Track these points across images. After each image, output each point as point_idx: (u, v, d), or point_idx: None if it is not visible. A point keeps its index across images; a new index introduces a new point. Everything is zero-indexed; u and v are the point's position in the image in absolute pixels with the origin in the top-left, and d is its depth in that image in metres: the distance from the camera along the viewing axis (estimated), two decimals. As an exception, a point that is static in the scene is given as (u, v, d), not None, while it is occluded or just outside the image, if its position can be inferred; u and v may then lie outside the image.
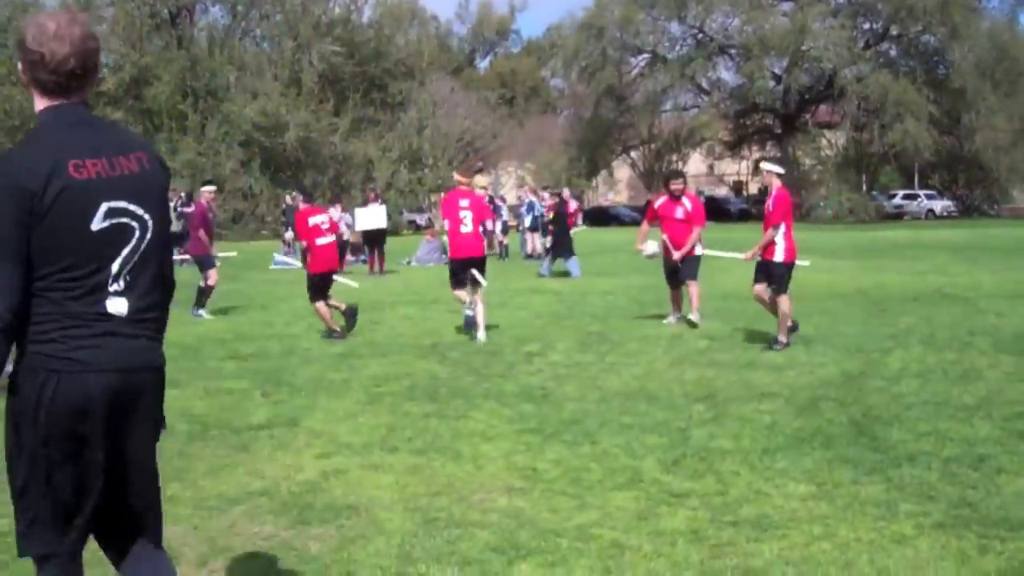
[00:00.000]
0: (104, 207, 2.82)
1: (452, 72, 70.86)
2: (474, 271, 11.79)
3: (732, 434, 6.83)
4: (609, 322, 13.08)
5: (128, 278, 2.89)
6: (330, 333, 12.17)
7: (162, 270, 3.05)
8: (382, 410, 7.92)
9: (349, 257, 24.47)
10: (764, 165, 11.55)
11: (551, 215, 23.45)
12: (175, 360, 10.50)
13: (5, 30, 48.68)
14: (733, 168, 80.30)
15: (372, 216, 23.66)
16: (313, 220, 12.66)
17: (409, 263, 26.22)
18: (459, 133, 57.73)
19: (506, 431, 7.09)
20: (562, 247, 21.66)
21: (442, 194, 32.92)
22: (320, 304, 12.37)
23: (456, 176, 12.79)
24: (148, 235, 2.93)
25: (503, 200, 31.57)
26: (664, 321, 12.81)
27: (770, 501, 5.38)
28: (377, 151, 50.99)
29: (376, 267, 23.39)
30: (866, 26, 61.30)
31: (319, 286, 12.47)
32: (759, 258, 10.85)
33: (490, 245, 17.37)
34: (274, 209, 45.07)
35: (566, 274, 20.99)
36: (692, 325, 12.20)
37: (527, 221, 28.14)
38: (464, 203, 11.78)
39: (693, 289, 12.56)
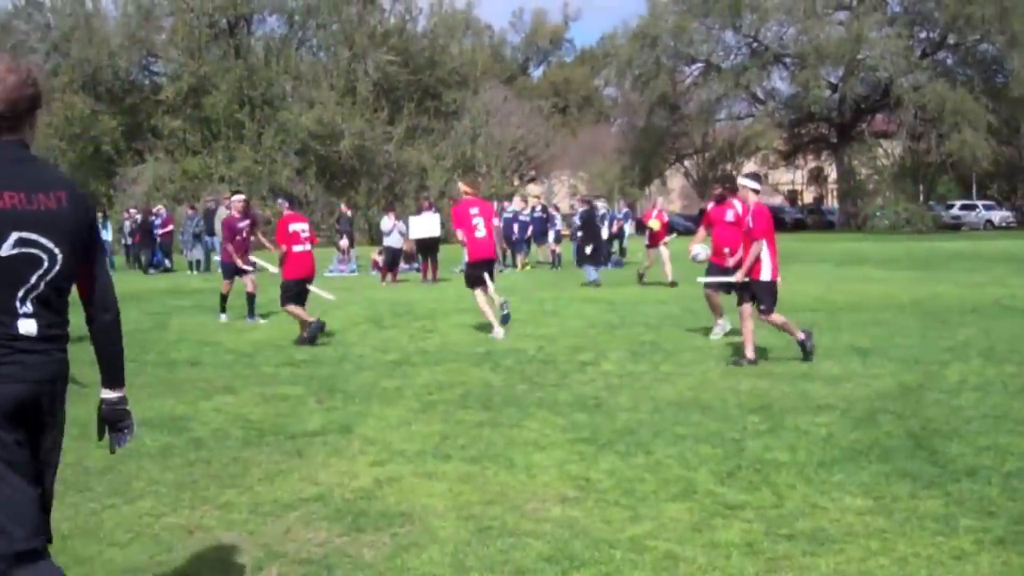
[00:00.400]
0: (14, 236, 3.08)
1: (505, 81, 70.98)
2: (485, 273, 12.97)
3: (788, 446, 6.76)
4: (662, 331, 13.01)
5: (37, 302, 3.16)
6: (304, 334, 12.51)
7: (94, 292, 3.38)
8: (435, 418, 7.94)
9: (403, 265, 24.60)
10: (741, 180, 10.90)
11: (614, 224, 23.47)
12: (231, 366, 10.66)
13: (68, 40, 49.63)
14: (787, 177, 79.74)
15: (426, 224, 23.73)
16: (293, 227, 13.09)
17: (462, 271, 26.26)
18: (512, 142, 57.88)
19: (559, 440, 7.07)
20: (597, 255, 21.95)
21: (495, 202, 32.79)
22: (291, 307, 12.80)
23: (462, 186, 13.78)
24: (57, 267, 3.18)
25: (556, 209, 31.52)
26: (711, 336, 12.32)
27: (826, 515, 5.31)
28: (431, 159, 51.29)
29: (429, 275, 23.47)
30: (923, 35, 60.63)
31: (294, 292, 12.85)
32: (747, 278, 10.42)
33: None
34: (328, 217, 45.49)
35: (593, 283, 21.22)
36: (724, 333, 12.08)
37: (580, 230, 28.05)
38: (474, 211, 12.90)
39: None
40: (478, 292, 12.93)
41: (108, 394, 3.50)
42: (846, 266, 26.49)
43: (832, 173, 72.94)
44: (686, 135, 65.99)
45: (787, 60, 61.76)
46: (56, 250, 3.16)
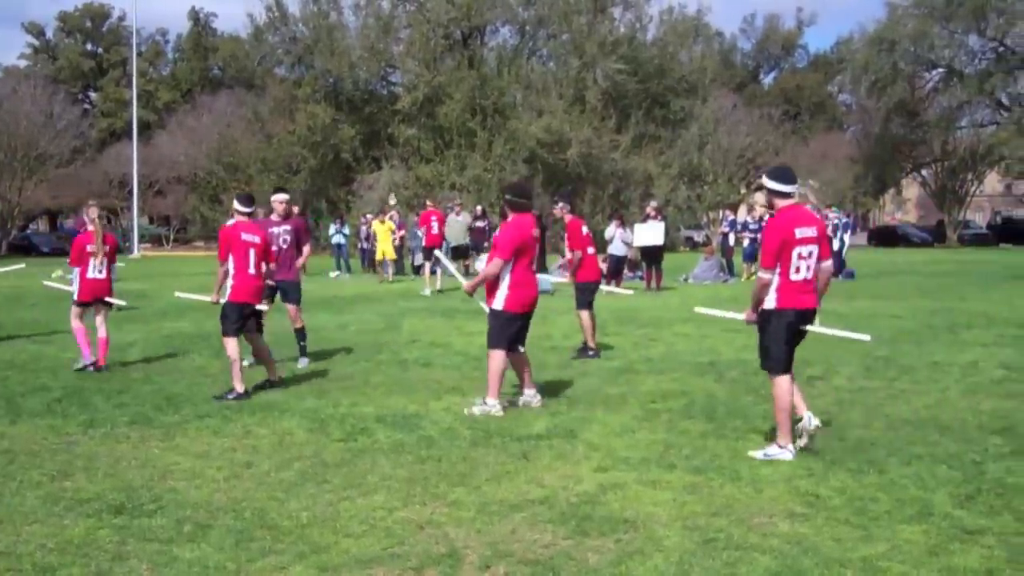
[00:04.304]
0: None
1: (735, 88, 69.90)
2: None
3: (1034, 472, 6.39)
4: (897, 347, 12.51)
5: None
6: (586, 349, 12.10)
7: None
8: (659, 426, 7.92)
9: (627, 273, 24.60)
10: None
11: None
12: (459, 368, 10.93)
13: (312, 51, 52.11)
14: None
15: (651, 232, 23.67)
16: (585, 229, 12.66)
17: (686, 280, 26.06)
18: (740, 150, 57.02)
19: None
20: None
21: (721, 211, 32.52)
22: (586, 314, 12.21)
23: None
24: None
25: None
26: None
27: (1078, 546, 5.00)
28: (657, 167, 51.09)
29: (653, 283, 23.39)
30: None
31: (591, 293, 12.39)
32: None
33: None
34: (553, 224, 45.92)
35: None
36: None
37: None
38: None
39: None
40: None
41: None
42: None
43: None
44: (924, 143, 63.43)
45: (1036, 65, 58.37)
46: None
